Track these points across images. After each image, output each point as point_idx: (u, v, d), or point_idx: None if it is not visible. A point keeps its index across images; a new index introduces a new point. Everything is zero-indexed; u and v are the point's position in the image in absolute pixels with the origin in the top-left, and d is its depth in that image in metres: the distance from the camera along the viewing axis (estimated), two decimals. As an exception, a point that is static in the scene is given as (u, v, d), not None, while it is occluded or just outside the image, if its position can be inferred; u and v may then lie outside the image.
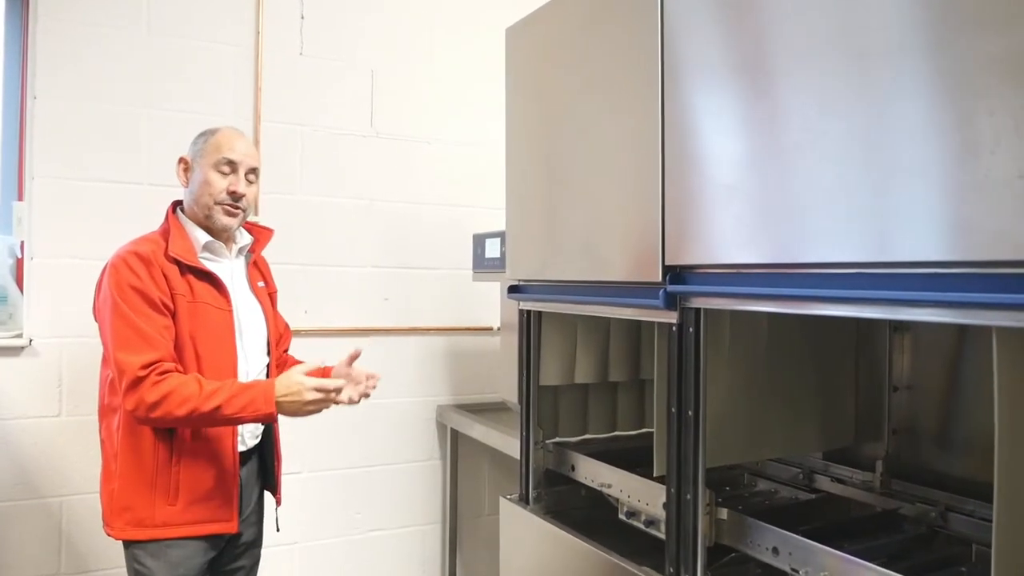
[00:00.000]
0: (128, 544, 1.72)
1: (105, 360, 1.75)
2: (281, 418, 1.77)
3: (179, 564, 1.70)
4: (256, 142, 2.62)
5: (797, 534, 1.26)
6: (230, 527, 1.76)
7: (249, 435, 1.86)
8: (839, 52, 1.07)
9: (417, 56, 2.96)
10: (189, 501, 1.70)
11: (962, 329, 1.57)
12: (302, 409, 1.68)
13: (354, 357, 1.85)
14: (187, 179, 1.84)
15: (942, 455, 1.61)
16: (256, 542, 1.95)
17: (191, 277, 1.75)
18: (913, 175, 0.97)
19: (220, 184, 1.80)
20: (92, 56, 2.44)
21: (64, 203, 2.40)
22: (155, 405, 1.60)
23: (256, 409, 1.64)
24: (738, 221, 1.24)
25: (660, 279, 1.39)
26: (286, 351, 2.09)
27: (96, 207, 2.43)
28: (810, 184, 1.12)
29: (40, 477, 2.38)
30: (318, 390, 1.68)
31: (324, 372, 1.84)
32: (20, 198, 2.45)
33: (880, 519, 1.54)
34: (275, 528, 2.00)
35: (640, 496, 1.59)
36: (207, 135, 1.85)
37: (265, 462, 1.94)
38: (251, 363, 1.85)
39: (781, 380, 1.61)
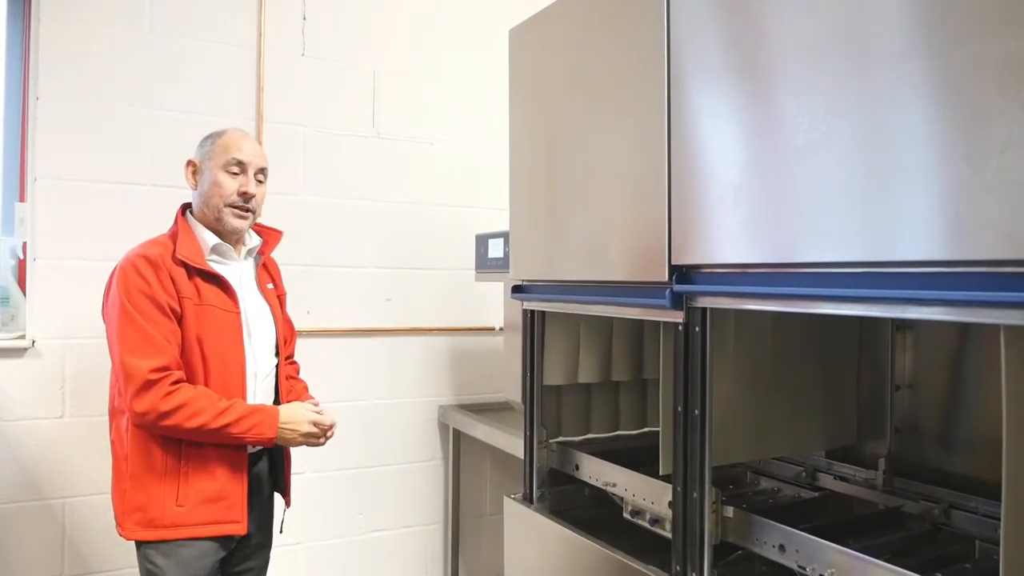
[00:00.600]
0: (140, 544, 1.73)
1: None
2: None
3: (190, 564, 1.71)
4: (258, 143, 2.62)
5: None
6: (240, 528, 1.77)
7: None
8: (844, 55, 1.09)
9: (419, 57, 2.97)
10: (199, 502, 1.71)
11: (963, 328, 1.58)
12: (296, 439, 1.82)
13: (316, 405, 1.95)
14: (196, 182, 1.85)
15: (944, 453, 1.63)
16: (266, 543, 1.96)
17: (199, 280, 1.76)
18: (917, 176, 0.98)
19: (230, 185, 1.81)
20: (94, 56, 2.44)
21: (66, 204, 2.40)
22: (167, 414, 1.64)
23: (260, 432, 1.75)
24: (744, 221, 1.25)
25: (666, 279, 1.40)
26: (289, 357, 2.09)
27: (98, 208, 2.43)
28: (815, 185, 1.13)
29: (43, 479, 2.38)
30: (315, 424, 1.83)
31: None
32: (22, 199, 2.45)
33: (883, 517, 1.55)
34: (279, 530, 2.00)
35: (645, 495, 1.60)
36: (214, 137, 1.86)
37: (275, 463, 1.95)
38: (260, 364, 1.86)
39: (785, 379, 1.62)
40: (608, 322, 1.96)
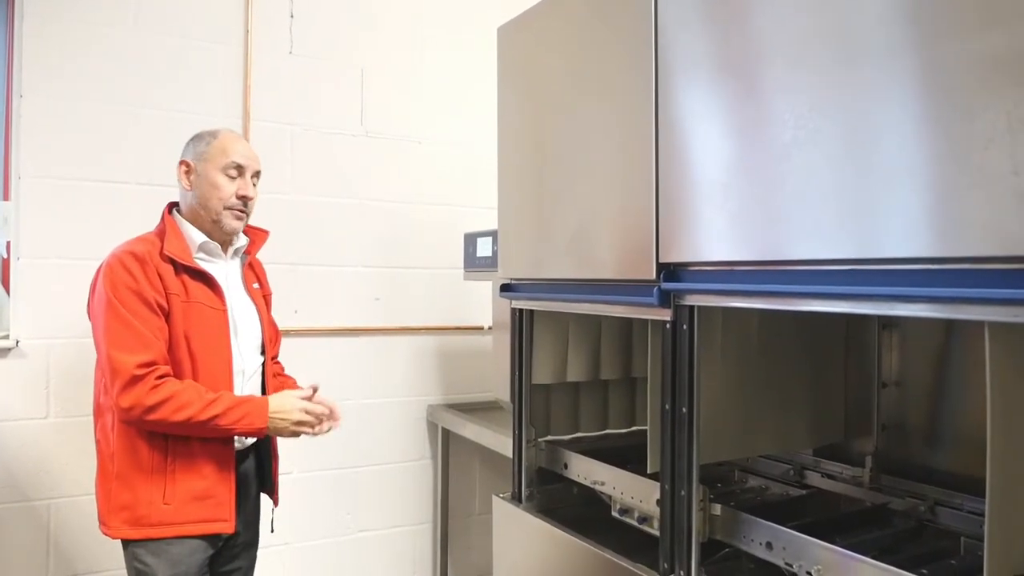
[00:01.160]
0: (127, 543, 1.72)
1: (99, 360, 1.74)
2: None
3: (179, 562, 1.70)
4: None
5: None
6: (228, 527, 1.76)
7: None
8: (830, 52, 1.09)
9: (407, 55, 2.96)
10: (186, 500, 1.70)
11: (949, 326, 1.59)
12: (288, 428, 1.79)
13: (315, 390, 1.91)
14: (190, 183, 1.83)
15: (930, 450, 1.64)
16: (253, 543, 1.95)
17: (186, 277, 1.75)
18: (903, 173, 0.98)
19: (230, 188, 1.81)
20: (79, 54, 2.42)
21: (51, 203, 2.38)
22: (153, 408, 1.62)
23: (250, 423, 1.72)
24: (731, 219, 1.26)
25: (654, 276, 1.40)
26: (275, 357, 2.08)
27: (83, 207, 2.41)
28: (802, 182, 1.13)
29: (27, 480, 2.36)
30: (307, 412, 1.81)
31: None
32: (6, 198, 2.42)
33: (870, 514, 1.56)
34: (270, 529, 1.99)
35: (633, 493, 1.60)
36: (207, 138, 1.85)
37: (262, 461, 1.94)
38: (246, 361, 1.85)
39: (772, 377, 1.62)
40: (596, 321, 1.96)
